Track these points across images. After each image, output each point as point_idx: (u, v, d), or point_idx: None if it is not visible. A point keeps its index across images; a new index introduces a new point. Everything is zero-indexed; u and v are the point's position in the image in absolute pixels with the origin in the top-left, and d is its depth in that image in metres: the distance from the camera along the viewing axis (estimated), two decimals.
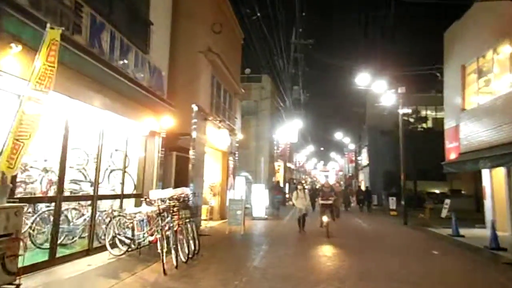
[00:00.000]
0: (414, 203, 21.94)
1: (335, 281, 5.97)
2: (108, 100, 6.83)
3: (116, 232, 7.00)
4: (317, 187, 28.70)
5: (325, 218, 11.03)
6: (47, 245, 6.13)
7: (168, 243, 6.31)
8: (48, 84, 4.38)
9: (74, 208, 7.20)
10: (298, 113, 33.12)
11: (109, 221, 7.07)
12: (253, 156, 26.47)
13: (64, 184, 6.87)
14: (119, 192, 8.07)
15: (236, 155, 17.25)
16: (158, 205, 6.67)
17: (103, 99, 6.66)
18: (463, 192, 26.80)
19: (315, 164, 72.02)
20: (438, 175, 22.03)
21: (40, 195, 6.53)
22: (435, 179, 26.85)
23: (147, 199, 7.01)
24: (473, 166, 12.00)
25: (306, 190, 13.18)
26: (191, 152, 11.01)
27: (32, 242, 6.27)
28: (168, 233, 6.42)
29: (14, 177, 5.05)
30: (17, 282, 4.28)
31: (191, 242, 7.13)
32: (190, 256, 6.94)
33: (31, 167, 6.71)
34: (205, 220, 12.85)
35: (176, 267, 6.27)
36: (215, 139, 13.50)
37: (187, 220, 7.19)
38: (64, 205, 6.71)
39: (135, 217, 7.00)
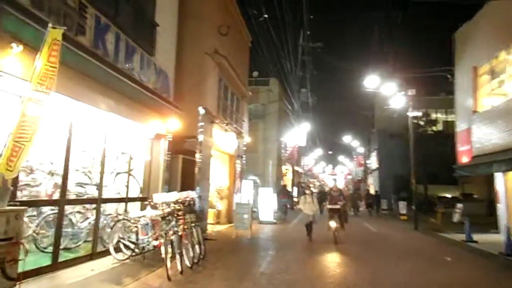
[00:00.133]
0: (425, 207, 21.54)
1: None
2: (112, 102, 6.74)
3: (121, 236, 6.89)
4: (325, 190, 28.36)
5: (332, 224, 10.55)
6: (51, 249, 6.03)
7: (172, 248, 6.18)
8: (50, 85, 4.28)
9: (79, 212, 7.10)
10: (306, 116, 32.91)
11: (113, 225, 6.95)
12: (261, 159, 26.32)
13: (70, 187, 6.83)
14: (124, 196, 7.97)
15: (244, 158, 17.11)
16: (163, 209, 6.55)
17: (107, 101, 6.57)
18: (475, 196, 26.22)
19: (324, 167, 71.49)
20: (449, 179, 21.56)
21: (46, 198, 6.45)
22: (445, 183, 26.35)
23: (151, 203, 6.89)
24: (487, 169, 11.69)
25: (315, 195, 12.79)
26: (197, 155, 10.90)
27: (36, 246, 6.19)
28: (173, 237, 6.29)
29: (16, 180, 4.98)
30: (17, 287, 4.17)
31: (196, 246, 7.01)
32: (195, 261, 6.81)
33: (37, 169, 6.67)
34: (211, 224, 12.71)
35: (181, 272, 6.14)
36: (222, 142, 13.37)
37: (193, 224, 7.07)
38: (69, 209, 6.64)
39: (139, 221, 6.87)
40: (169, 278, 5.78)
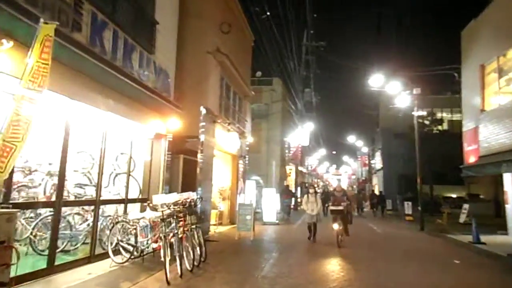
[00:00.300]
0: (431, 208, 21.25)
1: None
2: (111, 101, 6.59)
3: (119, 238, 6.74)
4: (329, 190, 28.09)
5: (335, 226, 10.09)
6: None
7: (172, 251, 6.01)
8: (42, 83, 4.12)
9: (78, 213, 6.96)
10: (309, 116, 32.67)
11: (112, 227, 6.80)
12: (264, 159, 26.14)
13: (69, 188, 6.69)
14: (124, 197, 7.81)
15: (246, 158, 16.93)
16: (162, 211, 6.38)
17: (105, 100, 6.43)
18: (481, 196, 25.88)
19: (327, 167, 71.16)
20: (454, 179, 21.30)
21: (44, 199, 6.32)
22: (451, 183, 26.04)
23: (150, 204, 6.72)
24: (495, 169, 11.42)
25: (318, 195, 12.41)
26: (199, 155, 10.73)
27: (33, 249, 6.05)
28: (172, 240, 6.11)
29: (9, 181, 4.83)
30: None
31: (197, 249, 6.84)
32: (196, 264, 6.64)
33: (36, 170, 6.54)
34: (214, 225, 12.54)
35: (181, 276, 5.97)
36: (224, 142, 13.20)
37: (193, 226, 6.91)
38: (67, 210, 6.50)
39: (138, 222, 6.71)
40: (168, 282, 5.61)
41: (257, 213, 14.41)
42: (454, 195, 28.19)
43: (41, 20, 4.08)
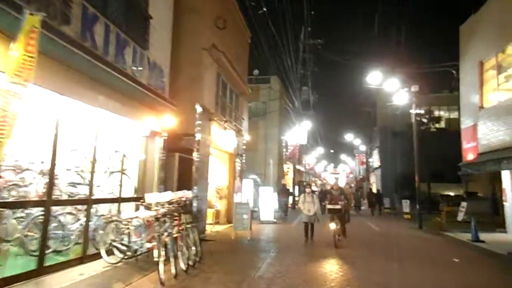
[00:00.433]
0: (429, 206, 21.17)
1: None
2: (103, 97, 6.41)
3: (112, 238, 6.57)
4: (326, 189, 27.99)
5: (332, 226, 9.82)
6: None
7: (167, 251, 5.86)
8: (28, 77, 3.95)
9: (70, 213, 6.78)
10: (307, 114, 32.52)
11: (105, 226, 6.63)
12: (262, 158, 26.01)
13: (62, 187, 6.51)
14: (117, 196, 7.64)
15: (244, 157, 16.77)
16: (157, 210, 6.22)
17: (97, 96, 6.25)
18: (479, 194, 25.84)
19: (325, 166, 71.08)
20: (452, 177, 21.18)
21: (36, 198, 6.14)
22: (449, 181, 25.91)
23: (144, 203, 6.56)
24: (494, 166, 11.33)
25: (316, 194, 12.14)
26: (195, 153, 10.57)
27: (24, 249, 5.88)
28: (167, 239, 5.95)
29: None
30: None
31: (192, 248, 6.69)
32: (191, 264, 6.50)
33: (27, 169, 6.36)
34: (210, 224, 12.39)
35: (175, 276, 5.83)
36: (221, 140, 13.04)
37: (189, 226, 6.75)
38: (59, 210, 6.32)
39: (131, 222, 6.54)
40: (162, 283, 5.45)
41: (254, 212, 14.26)
42: (452, 193, 28.15)
43: (26, 11, 3.91)
